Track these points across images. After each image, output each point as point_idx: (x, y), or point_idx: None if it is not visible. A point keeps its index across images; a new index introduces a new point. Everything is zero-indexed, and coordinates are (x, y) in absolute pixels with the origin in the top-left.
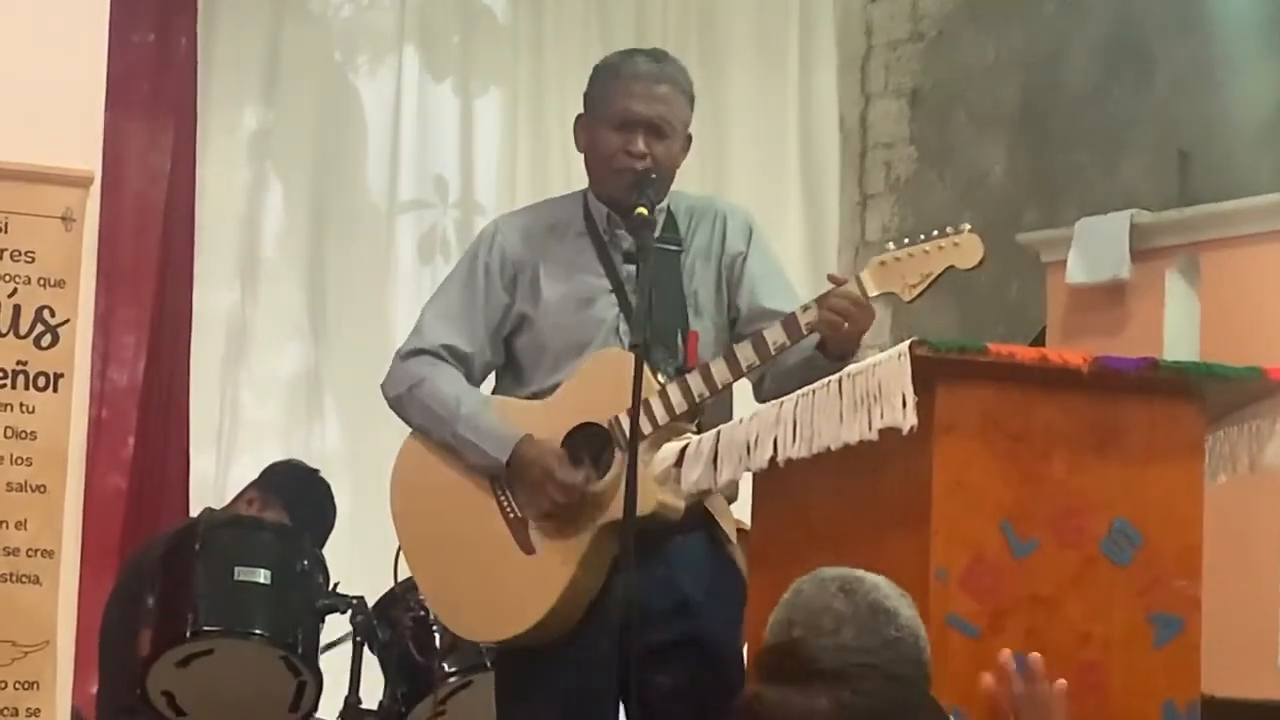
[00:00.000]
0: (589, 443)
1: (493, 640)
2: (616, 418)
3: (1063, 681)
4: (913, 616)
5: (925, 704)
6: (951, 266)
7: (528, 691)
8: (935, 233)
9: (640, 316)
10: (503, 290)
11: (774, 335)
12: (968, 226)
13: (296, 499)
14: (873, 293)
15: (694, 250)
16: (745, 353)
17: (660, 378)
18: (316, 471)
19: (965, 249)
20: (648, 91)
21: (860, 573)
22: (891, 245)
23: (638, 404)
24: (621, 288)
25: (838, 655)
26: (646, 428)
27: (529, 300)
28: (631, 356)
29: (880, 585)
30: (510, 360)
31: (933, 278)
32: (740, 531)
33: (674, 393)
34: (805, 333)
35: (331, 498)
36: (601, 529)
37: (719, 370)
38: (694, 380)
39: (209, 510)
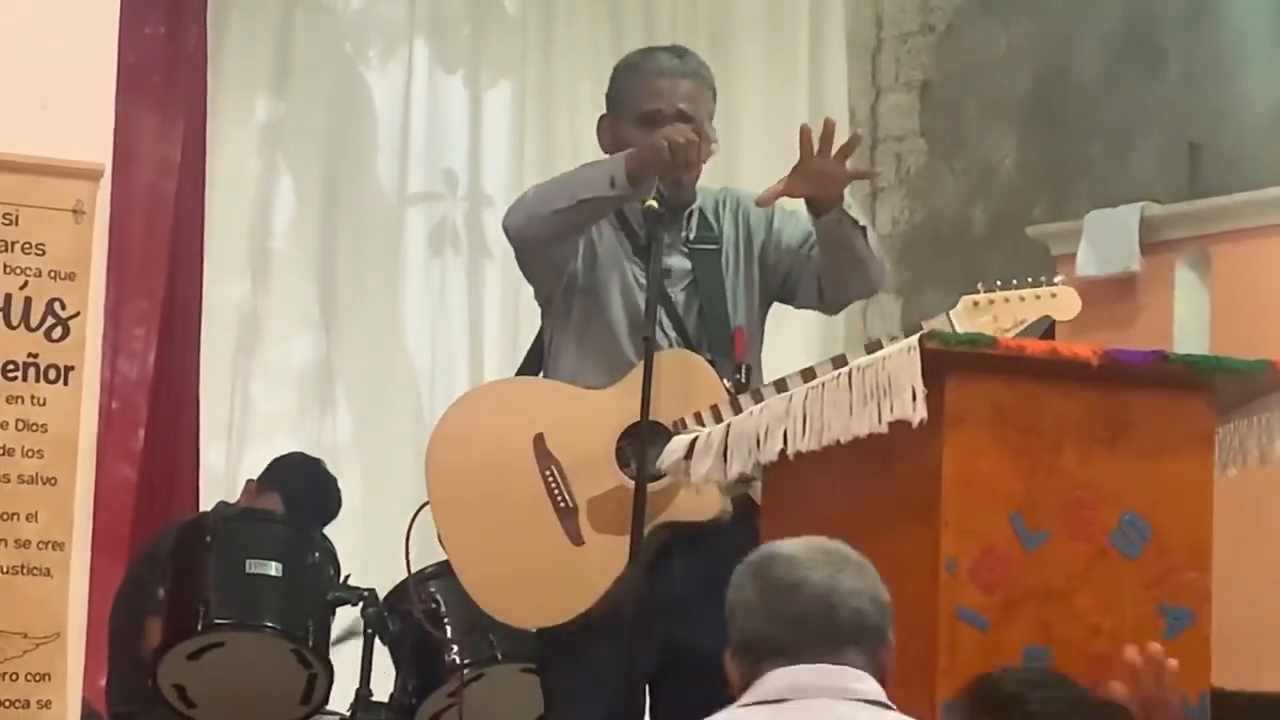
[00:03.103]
0: (650, 440)
1: (533, 626)
2: (683, 419)
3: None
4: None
5: None
6: (1048, 316)
7: (570, 669)
8: (1029, 280)
9: (652, 307)
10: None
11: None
12: (1060, 278)
13: (289, 485)
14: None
15: (725, 241)
16: (824, 370)
17: (727, 383)
18: (318, 461)
19: (1063, 301)
20: (673, 88)
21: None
22: (980, 287)
23: (647, 395)
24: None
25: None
26: None
27: (591, 263)
28: (697, 359)
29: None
30: (562, 324)
31: (1026, 325)
32: None
33: (746, 403)
34: None
35: (331, 484)
36: (654, 529)
37: (795, 385)
38: (768, 393)
39: (223, 504)
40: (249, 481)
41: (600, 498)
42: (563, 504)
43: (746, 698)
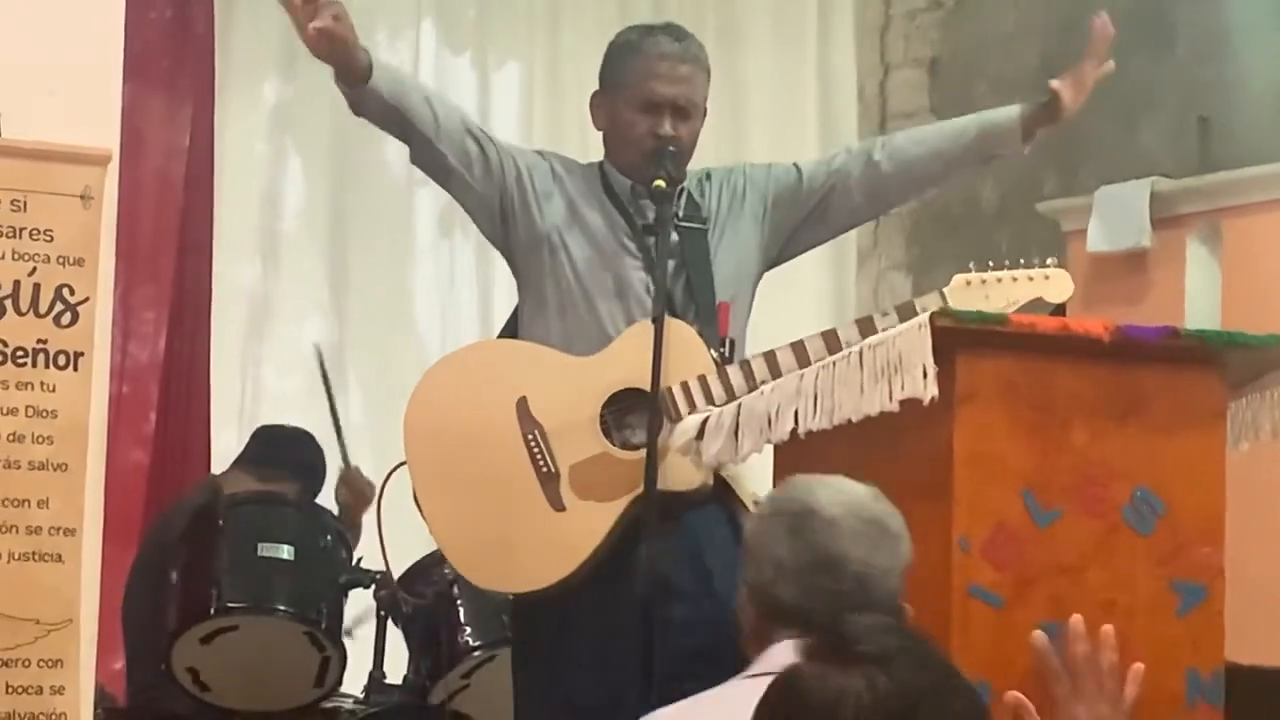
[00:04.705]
0: (635, 409)
1: (507, 590)
2: (670, 389)
3: (1108, 628)
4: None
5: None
6: (1040, 298)
7: (548, 656)
8: (1021, 262)
9: (660, 288)
10: (513, 181)
11: (848, 333)
12: (1053, 260)
13: (295, 462)
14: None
15: (711, 218)
16: (815, 345)
17: (714, 354)
18: (301, 430)
19: (1056, 283)
20: (673, 72)
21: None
22: (972, 266)
23: (657, 375)
24: (650, 259)
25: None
26: (701, 403)
27: (570, 229)
28: (686, 329)
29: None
30: (537, 289)
31: (1018, 305)
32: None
33: (734, 375)
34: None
35: (315, 446)
36: (637, 499)
37: (784, 358)
38: (758, 364)
39: (213, 478)
40: (248, 473)
41: (583, 464)
42: (545, 469)
43: (753, 668)
